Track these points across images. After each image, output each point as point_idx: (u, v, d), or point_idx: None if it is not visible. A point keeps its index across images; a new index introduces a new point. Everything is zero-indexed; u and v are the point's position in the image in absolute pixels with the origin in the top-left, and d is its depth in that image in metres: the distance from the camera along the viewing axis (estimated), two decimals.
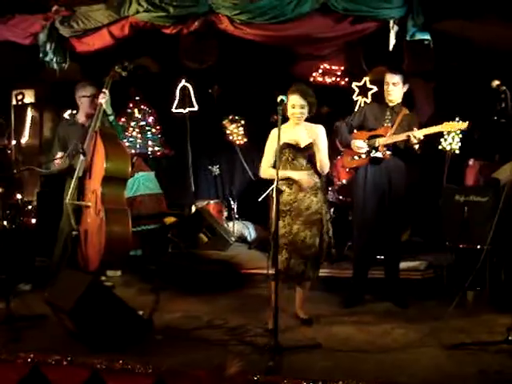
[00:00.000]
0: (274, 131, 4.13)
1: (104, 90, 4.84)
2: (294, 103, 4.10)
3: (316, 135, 4.17)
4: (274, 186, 3.66)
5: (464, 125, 4.40)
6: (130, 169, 4.92)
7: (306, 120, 4.20)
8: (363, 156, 4.67)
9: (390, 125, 4.62)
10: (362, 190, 4.69)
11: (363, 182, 4.68)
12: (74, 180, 4.69)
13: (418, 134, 4.41)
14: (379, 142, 4.59)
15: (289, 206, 4.12)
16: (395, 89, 4.59)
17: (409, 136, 4.43)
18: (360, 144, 4.65)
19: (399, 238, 4.86)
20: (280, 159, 4.06)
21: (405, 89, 4.65)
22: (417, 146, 4.48)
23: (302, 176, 4.10)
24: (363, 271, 4.75)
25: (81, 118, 5.14)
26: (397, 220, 4.66)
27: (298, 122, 4.15)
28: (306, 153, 4.15)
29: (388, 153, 4.58)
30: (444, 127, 4.45)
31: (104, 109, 4.80)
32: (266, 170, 4.23)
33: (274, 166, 4.00)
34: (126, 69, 4.96)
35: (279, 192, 3.75)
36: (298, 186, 4.11)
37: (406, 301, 4.65)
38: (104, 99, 4.80)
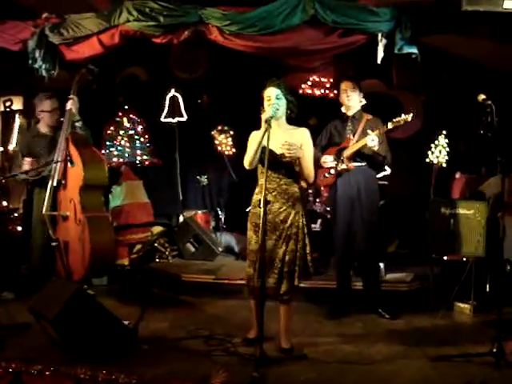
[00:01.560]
0: (254, 133, 3.90)
1: (72, 96, 4.75)
2: (270, 94, 3.77)
3: (300, 140, 3.79)
4: (262, 197, 3.50)
5: (408, 117, 4.47)
6: (106, 175, 4.84)
7: (291, 123, 3.90)
8: (332, 171, 4.78)
9: (351, 135, 4.73)
10: (333, 203, 4.82)
11: (334, 195, 4.79)
12: (48, 190, 4.61)
13: (372, 136, 4.45)
14: (343, 154, 4.71)
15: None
16: (353, 94, 4.75)
17: (366, 141, 4.49)
18: (326, 159, 4.77)
19: (375, 248, 4.80)
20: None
21: (361, 96, 4.79)
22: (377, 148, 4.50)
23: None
24: (345, 282, 4.81)
25: (43, 128, 5.04)
26: (370, 230, 4.67)
27: (277, 116, 3.72)
28: (285, 159, 3.73)
29: (352, 164, 4.67)
30: (392, 123, 4.50)
31: (73, 113, 4.71)
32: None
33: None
34: (93, 72, 4.88)
35: (267, 203, 3.57)
36: (273, 196, 3.76)
37: (391, 312, 4.65)
38: (74, 106, 4.71)
